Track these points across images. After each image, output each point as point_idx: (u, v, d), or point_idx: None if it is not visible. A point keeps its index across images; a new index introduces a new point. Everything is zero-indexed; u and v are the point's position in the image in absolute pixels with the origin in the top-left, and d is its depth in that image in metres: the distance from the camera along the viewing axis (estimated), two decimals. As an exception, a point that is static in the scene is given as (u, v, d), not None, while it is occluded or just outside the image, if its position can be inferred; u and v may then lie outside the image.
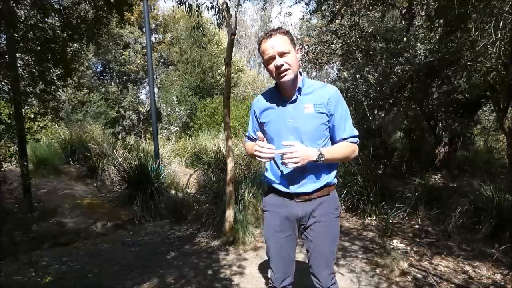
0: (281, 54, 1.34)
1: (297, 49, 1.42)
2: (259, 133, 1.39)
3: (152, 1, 13.27)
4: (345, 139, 1.46)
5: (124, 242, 3.62)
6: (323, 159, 1.34)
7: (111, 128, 11.09)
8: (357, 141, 1.48)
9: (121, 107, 12.77)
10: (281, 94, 1.45)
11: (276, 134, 1.45)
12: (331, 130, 1.46)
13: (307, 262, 1.55)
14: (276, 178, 1.51)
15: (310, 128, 1.40)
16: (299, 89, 1.42)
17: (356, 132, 1.48)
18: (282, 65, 1.34)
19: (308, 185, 1.44)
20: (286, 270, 1.55)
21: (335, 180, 1.52)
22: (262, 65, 1.50)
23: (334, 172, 1.50)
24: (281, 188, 1.49)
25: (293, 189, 1.45)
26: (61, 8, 3.18)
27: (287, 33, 1.38)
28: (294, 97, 1.42)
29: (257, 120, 1.55)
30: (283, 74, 1.35)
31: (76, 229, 3.91)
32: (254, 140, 1.59)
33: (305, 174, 1.43)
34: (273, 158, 1.46)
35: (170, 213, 4.30)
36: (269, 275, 1.63)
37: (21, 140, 3.50)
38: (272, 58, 1.35)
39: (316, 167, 1.43)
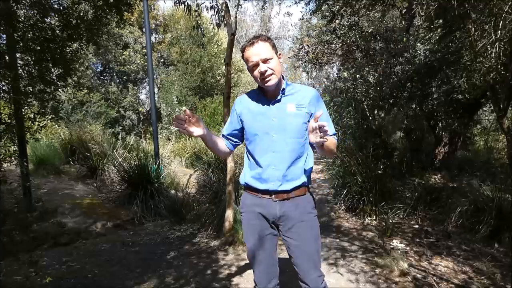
0: (265, 61, 1.40)
1: (279, 54, 1.48)
2: (185, 109, 1.35)
3: (152, 1, 13.27)
4: (330, 135, 1.50)
5: (124, 242, 3.62)
6: (327, 141, 1.37)
7: (111, 128, 11.08)
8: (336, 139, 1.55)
9: (121, 107, 12.75)
10: (265, 95, 1.51)
11: (259, 132, 1.48)
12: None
13: (294, 267, 1.52)
14: (255, 176, 1.51)
15: (293, 127, 1.44)
16: (283, 90, 1.48)
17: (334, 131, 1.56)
18: (266, 71, 1.39)
19: (286, 184, 1.47)
20: (269, 271, 1.54)
21: (309, 182, 1.56)
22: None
23: (309, 173, 1.55)
24: (260, 185, 1.49)
25: (272, 186, 1.47)
26: (61, 8, 3.18)
27: (268, 39, 1.44)
28: (278, 97, 1.48)
29: (238, 119, 1.57)
30: (267, 79, 1.41)
31: (76, 229, 3.91)
32: (228, 139, 1.62)
33: (284, 173, 1.46)
34: (252, 156, 1.51)
35: (170, 213, 4.30)
36: (253, 279, 1.60)
37: (21, 140, 3.51)
38: (256, 65, 1.41)
39: (294, 167, 1.47)
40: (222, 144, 1.61)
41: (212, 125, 10.45)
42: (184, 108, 1.36)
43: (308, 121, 1.47)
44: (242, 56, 1.47)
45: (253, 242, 1.54)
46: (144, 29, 9.89)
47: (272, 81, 1.41)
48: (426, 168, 5.39)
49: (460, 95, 4.79)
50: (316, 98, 1.50)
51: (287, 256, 1.57)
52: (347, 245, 3.22)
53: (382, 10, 4.66)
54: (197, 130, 1.37)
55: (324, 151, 1.44)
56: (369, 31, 4.92)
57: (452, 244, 3.12)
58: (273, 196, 1.48)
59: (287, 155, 1.46)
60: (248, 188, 1.56)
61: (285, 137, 1.45)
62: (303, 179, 1.50)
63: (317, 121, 1.26)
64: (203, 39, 12.27)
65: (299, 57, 6.50)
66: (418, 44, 4.63)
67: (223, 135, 1.64)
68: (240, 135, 1.61)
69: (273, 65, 1.41)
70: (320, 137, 1.27)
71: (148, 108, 12.50)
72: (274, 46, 1.44)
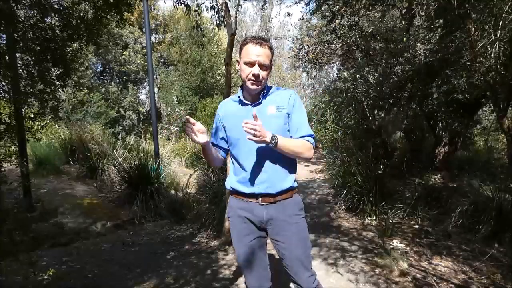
0: (261, 66, 1.42)
1: (272, 65, 1.51)
2: (187, 117, 1.40)
3: (152, 1, 13.27)
4: (302, 136, 1.49)
5: (124, 242, 3.63)
6: (276, 141, 1.35)
7: (111, 128, 11.08)
8: (313, 143, 1.51)
9: (121, 107, 12.77)
10: (246, 98, 1.52)
11: (241, 136, 1.47)
12: (289, 129, 1.50)
13: (285, 269, 1.52)
14: (241, 180, 1.51)
15: (274, 128, 1.43)
16: (264, 94, 1.51)
17: (313, 133, 1.53)
18: (259, 75, 1.42)
19: (273, 186, 1.47)
20: (261, 275, 1.54)
21: (296, 184, 1.55)
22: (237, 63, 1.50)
23: (294, 176, 1.54)
24: (246, 189, 1.49)
25: (258, 190, 1.46)
26: (61, 8, 3.19)
27: (272, 48, 1.47)
28: (259, 101, 1.50)
29: (221, 125, 1.58)
30: (254, 83, 1.43)
31: (76, 229, 3.91)
32: (219, 147, 1.62)
33: (270, 175, 1.46)
34: (237, 160, 1.51)
35: (170, 213, 4.30)
36: (245, 284, 1.59)
37: (21, 140, 3.51)
38: (252, 64, 1.42)
39: (279, 169, 1.47)
40: (218, 153, 1.61)
41: (212, 125, 10.44)
42: (186, 116, 1.41)
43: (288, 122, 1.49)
44: (241, 49, 1.47)
45: (242, 247, 1.53)
46: (144, 29, 9.89)
47: (258, 87, 1.44)
48: (426, 168, 5.39)
49: (460, 95, 4.79)
50: (294, 98, 1.51)
51: (276, 257, 1.57)
52: (347, 245, 3.22)
53: (382, 10, 4.66)
54: (202, 137, 1.41)
55: (283, 151, 1.41)
56: (369, 31, 4.92)
57: (452, 244, 3.12)
58: (260, 199, 1.48)
59: (271, 157, 1.46)
60: (235, 192, 1.55)
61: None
62: (289, 181, 1.50)
63: (256, 119, 1.30)
64: (203, 39, 12.28)
65: (299, 57, 6.50)
66: (418, 44, 4.62)
67: (212, 144, 1.62)
68: (227, 140, 1.60)
69: (265, 74, 1.44)
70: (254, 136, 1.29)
71: (148, 108, 12.51)
72: (272, 57, 1.47)
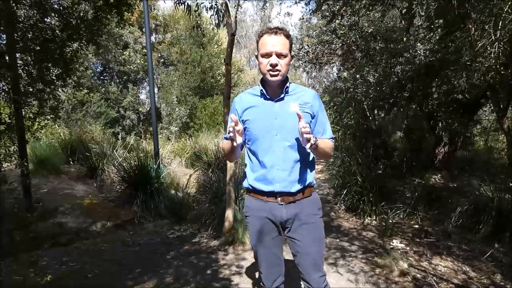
0: (279, 55, 1.38)
1: (292, 56, 1.46)
2: (233, 115, 1.34)
3: (152, 1, 13.27)
4: (328, 139, 1.53)
5: (124, 242, 3.62)
6: (317, 142, 1.35)
7: (111, 128, 11.10)
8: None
9: (121, 107, 12.78)
10: (268, 93, 1.47)
11: (262, 132, 1.45)
12: (312, 131, 1.47)
13: (297, 267, 1.53)
14: (259, 178, 1.48)
15: (295, 126, 1.38)
16: (287, 89, 1.46)
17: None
18: (276, 65, 1.37)
19: (292, 185, 1.45)
20: (276, 271, 1.54)
21: (314, 181, 1.55)
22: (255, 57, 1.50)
23: (313, 173, 1.54)
24: (265, 187, 1.46)
25: (278, 188, 1.44)
26: (61, 8, 3.19)
27: (289, 36, 1.42)
28: (281, 96, 1.46)
29: (239, 119, 1.52)
30: (273, 74, 1.39)
31: (76, 229, 3.91)
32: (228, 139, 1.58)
33: (290, 173, 1.45)
34: (256, 157, 1.47)
35: (170, 213, 4.30)
36: (260, 277, 1.61)
37: (21, 140, 3.51)
38: (269, 54, 1.38)
39: (299, 167, 1.46)
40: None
41: (212, 125, 10.46)
42: (232, 114, 1.33)
43: (310, 122, 1.46)
44: (257, 42, 1.44)
45: (259, 245, 1.53)
46: (144, 29, 9.89)
47: (278, 78, 1.39)
48: (426, 168, 5.38)
49: (460, 95, 4.79)
50: (318, 100, 1.51)
51: (291, 258, 1.58)
52: (347, 245, 3.22)
53: (382, 10, 4.65)
54: (239, 139, 1.37)
55: (318, 153, 1.43)
56: (369, 31, 4.93)
57: (452, 244, 3.12)
58: (279, 199, 1.46)
59: (291, 155, 1.44)
60: (253, 191, 1.52)
61: (288, 137, 1.43)
62: (309, 179, 1.49)
63: (304, 127, 1.27)
64: (203, 39, 12.29)
65: (299, 57, 6.52)
66: (418, 44, 4.62)
67: (226, 138, 1.56)
68: (244, 134, 1.54)
69: (284, 63, 1.39)
70: (307, 141, 1.28)
71: (148, 108, 12.51)
72: (291, 45, 1.43)
